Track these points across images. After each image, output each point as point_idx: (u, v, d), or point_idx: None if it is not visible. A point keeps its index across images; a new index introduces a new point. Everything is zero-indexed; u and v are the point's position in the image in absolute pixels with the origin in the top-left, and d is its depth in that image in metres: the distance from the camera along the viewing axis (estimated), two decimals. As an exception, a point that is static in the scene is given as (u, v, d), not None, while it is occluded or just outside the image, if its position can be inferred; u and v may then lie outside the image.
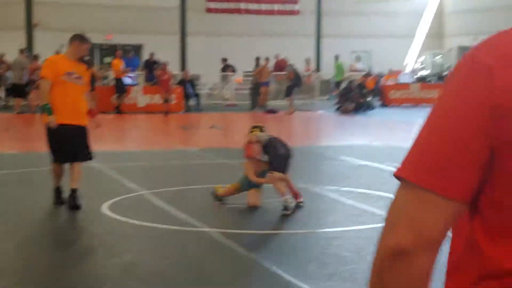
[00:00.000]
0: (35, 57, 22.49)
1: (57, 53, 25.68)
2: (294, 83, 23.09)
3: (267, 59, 23.96)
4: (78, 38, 7.62)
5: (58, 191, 7.67)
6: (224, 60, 26.63)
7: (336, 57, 28.10)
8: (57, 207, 7.55)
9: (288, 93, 22.95)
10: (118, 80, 21.84)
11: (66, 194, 7.56)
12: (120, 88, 21.75)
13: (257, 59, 24.86)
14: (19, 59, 21.78)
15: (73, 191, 7.48)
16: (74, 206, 7.38)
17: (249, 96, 24.63)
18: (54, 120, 7.36)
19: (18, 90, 21.26)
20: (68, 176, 7.56)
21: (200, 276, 5.28)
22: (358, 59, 30.79)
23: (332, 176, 9.59)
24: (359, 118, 21.07)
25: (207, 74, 26.56)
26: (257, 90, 23.71)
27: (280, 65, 26.18)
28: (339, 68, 27.46)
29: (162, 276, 5.30)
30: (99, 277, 5.18)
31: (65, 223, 6.97)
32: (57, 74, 7.41)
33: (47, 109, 7.40)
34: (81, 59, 7.80)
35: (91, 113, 7.86)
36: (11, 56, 22.65)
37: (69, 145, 7.46)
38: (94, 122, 7.90)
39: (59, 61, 7.65)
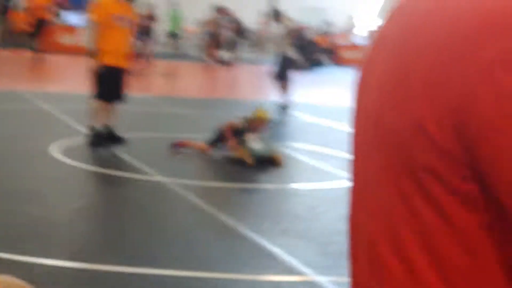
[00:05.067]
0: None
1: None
2: (237, 35, 22.91)
3: (216, 10, 23.29)
4: None
5: (96, 131, 7.78)
6: None
7: (173, 4, 23.44)
8: (94, 147, 7.60)
9: (232, 45, 22.71)
10: (41, 21, 18.02)
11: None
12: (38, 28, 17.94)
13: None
14: None
15: (110, 127, 7.85)
16: (120, 139, 7.80)
17: (202, 46, 24.26)
18: (97, 65, 7.65)
19: None
20: (105, 114, 7.83)
21: (154, 225, 5.21)
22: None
23: (286, 133, 9.59)
24: (309, 76, 21.08)
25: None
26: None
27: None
28: (175, 18, 23.68)
29: (115, 222, 5.21)
30: (51, 222, 5.05)
31: (13, 165, 6.74)
32: (106, 18, 7.59)
33: (92, 53, 7.66)
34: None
35: (132, 56, 8.16)
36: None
37: (114, 86, 7.77)
38: (135, 66, 8.02)
39: (109, 4, 7.71)
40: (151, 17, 20.17)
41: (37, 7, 17.75)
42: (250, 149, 7.32)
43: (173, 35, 23.74)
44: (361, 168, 0.84)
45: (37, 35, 17.82)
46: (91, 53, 7.73)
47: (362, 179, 0.84)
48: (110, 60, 7.72)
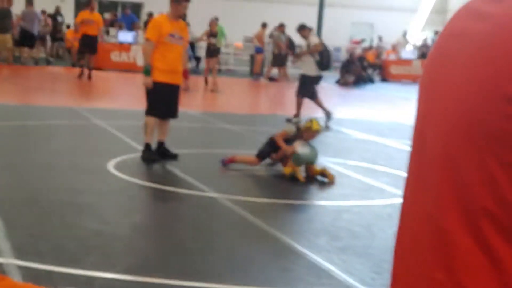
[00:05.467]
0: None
1: (57, 8, 25.51)
2: (287, 52, 23.03)
3: (264, 25, 23.52)
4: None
5: (149, 147, 7.95)
6: None
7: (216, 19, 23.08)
8: (147, 162, 7.78)
9: (281, 62, 22.83)
10: (85, 37, 17.59)
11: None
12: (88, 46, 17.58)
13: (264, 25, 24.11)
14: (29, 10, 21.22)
15: (163, 143, 8.06)
16: (172, 155, 7.99)
17: (249, 62, 24.45)
18: (150, 82, 7.84)
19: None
20: (158, 130, 8.05)
21: (207, 240, 5.25)
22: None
23: (336, 149, 9.57)
24: (359, 92, 21.01)
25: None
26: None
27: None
28: (219, 32, 22.94)
29: (170, 236, 5.28)
30: (108, 236, 5.14)
31: (71, 181, 6.89)
32: (160, 36, 7.80)
33: (146, 70, 7.85)
34: (181, 17, 8.06)
35: (185, 73, 8.31)
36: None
37: (165, 102, 7.93)
38: (185, 83, 8.18)
39: (163, 22, 7.92)
40: (213, 34, 20.17)
41: (81, 22, 17.63)
42: (296, 155, 7.38)
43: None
44: (427, 160, 0.88)
45: (85, 52, 17.67)
46: (145, 70, 7.89)
47: (428, 173, 0.88)
48: (164, 77, 7.86)
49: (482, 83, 0.81)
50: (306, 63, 12.54)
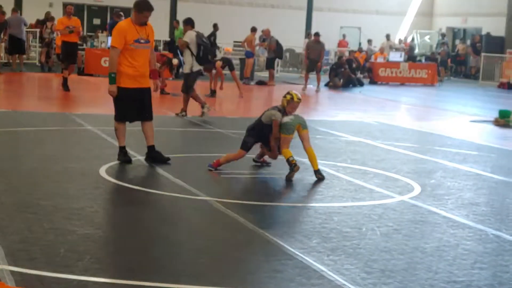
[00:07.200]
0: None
1: (48, 14, 25.42)
2: (275, 55, 23.20)
3: (254, 30, 23.61)
4: (135, 7, 7.96)
5: (123, 150, 8.06)
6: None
7: (177, 22, 24.21)
8: (123, 164, 7.91)
9: (269, 65, 23.00)
10: (64, 43, 17.03)
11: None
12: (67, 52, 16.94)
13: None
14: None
15: (153, 147, 8.10)
16: (163, 160, 8.04)
17: (239, 66, 24.49)
18: (115, 90, 7.88)
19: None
20: (144, 136, 8.15)
21: (200, 243, 5.29)
22: (344, 37, 31.01)
23: (326, 151, 9.62)
24: (348, 94, 21.10)
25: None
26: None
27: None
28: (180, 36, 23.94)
29: (162, 240, 5.31)
30: (101, 240, 5.16)
31: (63, 186, 6.90)
32: (126, 43, 7.79)
33: (111, 78, 7.85)
34: (144, 23, 7.99)
35: (154, 73, 8.31)
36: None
37: (135, 106, 7.98)
38: (154, 84, 8.34)
39: (128, 29, 7.87)
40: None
41: (59, 28, 17.09)
42: (282, 124, 7.67)
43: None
44: None
45: (65, 60, 16.85)
46: (110, 78, 7.91)
47: None
48: (132, 83, 7.92)
49: None
50: (186, 61, 12.71)
